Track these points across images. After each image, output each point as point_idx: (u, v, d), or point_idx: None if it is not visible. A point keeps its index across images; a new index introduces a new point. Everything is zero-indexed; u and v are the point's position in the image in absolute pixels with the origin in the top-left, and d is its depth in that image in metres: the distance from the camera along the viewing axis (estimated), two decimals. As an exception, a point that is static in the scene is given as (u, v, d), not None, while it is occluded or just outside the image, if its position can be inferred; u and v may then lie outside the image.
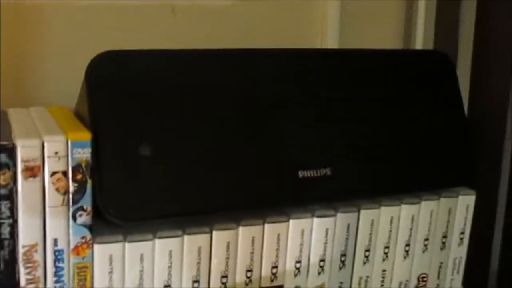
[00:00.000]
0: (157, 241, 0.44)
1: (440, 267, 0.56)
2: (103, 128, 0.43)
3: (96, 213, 0.43)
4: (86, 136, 0.42)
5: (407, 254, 0.54)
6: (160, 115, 0.45)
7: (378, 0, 0.80)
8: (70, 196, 0.41)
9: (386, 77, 0.54)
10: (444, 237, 0.56)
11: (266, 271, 0.49)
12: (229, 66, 0.48)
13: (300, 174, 0.48)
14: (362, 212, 0.51)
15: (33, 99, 0.61)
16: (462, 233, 0.56)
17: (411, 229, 0.54)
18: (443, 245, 0.56)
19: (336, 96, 0.51)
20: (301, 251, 0.50)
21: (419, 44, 0.80)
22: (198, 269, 0.46)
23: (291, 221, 0.49)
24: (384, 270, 0.54)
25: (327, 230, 0.50)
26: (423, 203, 0.54)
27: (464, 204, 0.56)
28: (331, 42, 0.78)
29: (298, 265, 0.50)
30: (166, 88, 0.45)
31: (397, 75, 0.54)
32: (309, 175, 0.48)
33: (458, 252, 0.57)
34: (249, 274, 0.48)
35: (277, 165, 0.47)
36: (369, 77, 0.53)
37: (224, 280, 0.47)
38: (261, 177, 0.47)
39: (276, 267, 0.49)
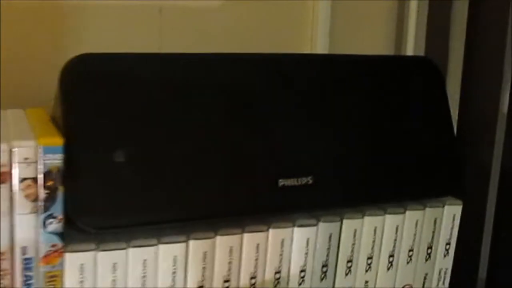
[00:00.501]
0: (131, 250, 0.43)
1: (425, 278, 0.55)
2: (76, 133, 0.42)
3: (69, 220, 0.41)
4: (57, 141, 0.40)
5: (391, 265, 0.53)
6: (136, 120, 0.43)
7: (369, 0, 0.79)
8: (41, 203, 0.40)
9: (372, 83, 0.52)
10: (430, 248, 0.55)
11: (244, 281, 0.47)
12: (209, 70, 0.46)
13: (280, 183, 0.46)
14: (345, 221, 0.50)
15: (14, 100, 0.60)
16: (448, 244, 0.55)
17: (395, 240, 0.53)
18: (429, 256, 0.55)
19: (319, 103, 0.49)
20: (281, 261, 0.48)
21: (410, 46, 0.79)
22: (173, 280, 0.45)
23: (270, 230, 0.47)
24: (367, 282, 0.52)
25: (308, 239, 0.49)
26: (408, 213, 0.53)
27: (450, 214, 0.55)
28: (321, 45, 0.77)
29: (277, 275, 0.48)
30: (143, 92, 0.44)
31: (383, 81, 0.53)
32: (289, 184, 0.47)
33: (444, 263, 0.56)
34: (226, 284, 0.47)
35: (256, 173, 0.46)
36: (354, 84, 0.52)
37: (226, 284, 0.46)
38: (239, 185, 0.45)
39: (255, 277, 0.48)
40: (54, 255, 0.41)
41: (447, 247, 0.55)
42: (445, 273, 0.56)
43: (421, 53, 0.76)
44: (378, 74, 0.53)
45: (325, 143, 0.49)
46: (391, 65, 0.54)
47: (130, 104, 0.44)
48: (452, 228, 0.55)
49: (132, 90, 0.44)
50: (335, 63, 0.51)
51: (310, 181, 0.47)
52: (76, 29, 0.62)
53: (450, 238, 0.55)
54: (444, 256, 0.55)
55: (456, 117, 0.73)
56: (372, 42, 0.81)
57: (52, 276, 0.42)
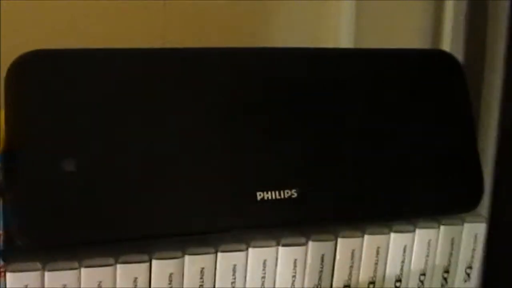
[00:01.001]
0: (83, 270, 0.38)
1: (440, 306, 0.48)
2: (19, 139, 0.37)
3: (11, 237, 0.37)
4: (-7, 148, 0.36)
5: (398, 291, 0.46)
6: (90, 125, 0.38)
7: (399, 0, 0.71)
8: (-24, 217, 0.36)
9: (375, 80, 0.45)
10: (446, 272, 0.47)
11: (219, 307, 0.41)
12: (177, 68, 0.41)
13: (259, 196, 0.40)
14: (340, 241, 0.43)
15: None
16: (470, 267, 0.47)
17: (402, 262, 0.45)
18: (445, 281, 0.47)
19: (308, 102, 0.43)
20: (263, 284, 0.42)
21: (446, 44, 0.71)
22: (135, 304, 0.40)
23: (250, 250, 0.41)
24: (369, 309, 0.45)
25: (295, 261, 0.42)
26: (419, 231, 0.45)
27: (471, 233, 0.47)
28: (345, 40, 0.71)
29: (260, 301, 0.42)
30: (100, 94, 0.39)
31: (388, 77, 0.46)
32: (269, 198, 0.40)
33: (464, 289, 0.48)
34: (198, 310, 0.41)
35: (231, 185, 0.40)
36: (355, 81, 0.45)
37: (166, 317, 0.40)
38: (211, 198, 0.40)
39: (232, 303, 0.42)
40: (-6, 275, 0.37)
41: (468, 271, 0.48)
42: (466, 300, 0.48)
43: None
44: (383, 69, 0.46)
45: (314, 150, 0.42)
46: (401, 59, 0.47)
47: (85, 107, 0.39)
48: (474, 250, 0.47)
49: (88, 90, 0.39)
50: (330, 58, 0.45)
51: (295, 195, 0.41)
52: (73, 22, 0.58)
53: (471, 261, 0.47)
54: (465, 281, 0.48)
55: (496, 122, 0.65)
56: (403, 41, 0.73)
57: (-7, 298, 0.37)
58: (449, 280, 0.47)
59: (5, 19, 0.55)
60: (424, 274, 0.46)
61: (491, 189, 0.63)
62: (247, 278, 0.42)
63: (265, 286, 0.42)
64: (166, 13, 0.64)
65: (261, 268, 0.42)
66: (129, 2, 0.62)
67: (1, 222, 0.36)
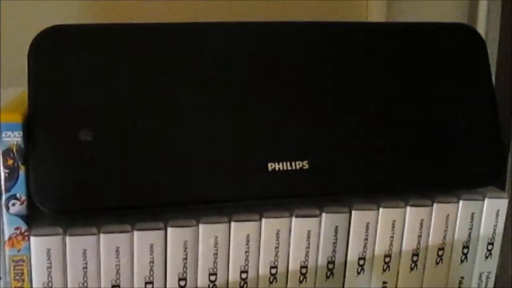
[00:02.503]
0: (102, 236, 0.40)
1: (460, 282, 0.47)
2: (40, 110, 0.39)
3: (34, 202, 0.39)
4: (16, 118, 0.38)
5: (416, 265, 0.46)
6: (108, 97, 0.40)
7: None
8: (1, 183, 0.38)
9: (396, 54, 0.45)
10: (466, 247, 0.46)
11: (234, 276, 0.43)
12: (190, 43, 0.42)
13: (270, 167, 0.41)
14: (355, 213, 0.44)
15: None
16: (491, 243, 0.47)
17: (419, 237, 0.45)
18: (465, 257, 0.47)
19: (322, 74, 0.43)
20: (276, 255, 0.43)
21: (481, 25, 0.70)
22: (151, 269, 0.41)
23: (263, 220, 0.42)
24: (385, 283, 0.46)
25: (309, 232, 0.43)
26: (436, 206, 0.45)
27: (493, 209, 0.46)
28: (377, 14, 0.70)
29: (273, 270, 0.43)
30: (118, 67, 0.41)
31: (406, 50, 0.45)
32: (280, 168, 0.41)
33: (486, 266, 0.47)
34: (213, 278, 0.42)
35: (243, 155, 0.41)
36: (374, 54, 0.45)
37: (182, 283, 0.42)
38: (223, 168, 0.41)
39: (246, 271, 0.43)
40: (18, 239, 0.39)
41: (490, 247, 0.47)
42: (488, 277, 0.48)
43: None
44: (403, 42, 0.45)
45: (327, 121, 0.43)
46: (417, 32, 0.46)
47: (104, 80, 0.40)
48: (495, 226, 0.47)
49: (107, 64, 0.41)
50: (348, 31, 0.45)
51: (306, 166, 0.41)
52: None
53: (493, 238, 0.47)
54: (486, 258, 0.47)
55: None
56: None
57: (18, 261, 0.40)
58: (469, 256, 0.47)
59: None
60: (442, 249, 0.46)
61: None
62: (261, 248, 0.43)
63: (279, 256, 0.43)
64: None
65: (275, 238, 0.43)
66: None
67: (25, 188, 0.39)
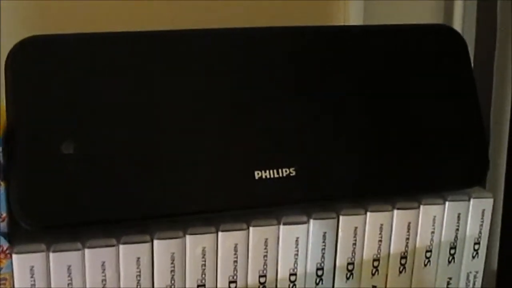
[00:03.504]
0: (87, 251, 0.39)
1: (448, 283, 0.47)
2: (19, 124, 0.38)
3: (15, 219, 0.38)
4: (-6, 133, 0.37)
5: (404, 268, 0.46)
6: (90, 108, 0.39)
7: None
8: (-19, 200, 0.37)
9: (377, 55, 0.45)
10: (453, 248, 0.47)
11: (222, 286, 0.42)
12: (175, 51, 0.41)
13: (257, 175, 0.41)
14: (343, 218, 0.43)
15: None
16: (477, 243, 0.47)
17: (407, 239, 0.45)
18: (452, 258, 0.47)
19: (309, 79, 0.43)
20: (265, 263, 0.43)
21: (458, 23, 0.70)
22: (138, 283, 0.40)
23: (251, 229, 0.42)
24: (374, 287, 0.45)
25: (297, 239, 0.43)
26: (423, 208, 0.45)
27: (478, 209, 0.46)
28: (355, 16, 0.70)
29: (262, 279, 0.43)
30: (98, 77, 0.40)
31: (389, 52, 0.45)
32: (267, 176, 0.41)
33: (473, 266, 0.47)
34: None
35: (229, 164, 0.41)
36: (357, 56, 0.45)
37: (169, 296, 0.41)
38: (209, 178, 0.40)
39: (234, 281, 0.42)
40: (0, 257, 0.38)
41: (476, 247, 0.47)
42: (475, 277, 0.48)
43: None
44: (385, 44, 0.45)
45: (313, 127, 0.42)
46: (401, 34, 0.46)
47: (85, 90, 0.39)
48: (481, 225, 0.47)
49: (87, 74, 0.40)
50: (331, 34, 0.44)
51: (293, 173, 0.41)
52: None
53: (479, 237, 0.47)
54: (473, 257, 0.47)
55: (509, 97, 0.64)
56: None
57: (1, 279, 0.38)
58: (456, 256, 0.47)
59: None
60: (430, 251, 0.46)
61: (506, 166, 0.62)
62: (249, 257, 0.42)
63: (267, 264, 0.42)
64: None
65: (263, 247, 0.42)
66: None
67: (5, 204, 0.37)
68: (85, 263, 0.39)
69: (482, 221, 0.47)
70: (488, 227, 0.47)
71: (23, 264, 0.38)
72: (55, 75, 0.39)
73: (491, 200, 0.47)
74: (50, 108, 0.39)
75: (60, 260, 0.39)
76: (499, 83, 0.65)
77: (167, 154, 0.40)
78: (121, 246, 0.40)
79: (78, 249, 0.39)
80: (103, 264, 0.40)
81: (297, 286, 0.43)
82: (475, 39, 0.68)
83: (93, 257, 0.39)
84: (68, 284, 0.39)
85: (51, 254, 0.39)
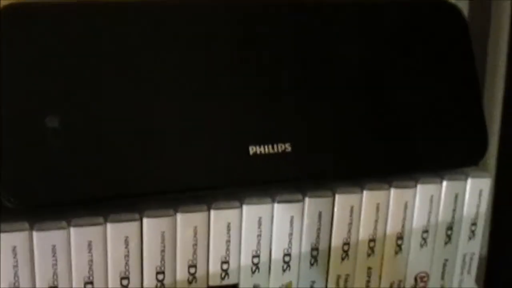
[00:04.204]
0: (72, 229, 0.37)
1: (444, 265, 0.46)
2: (3, 98, 0.36)
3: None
4: (-26, 104, 0.35)
5: (400, 249, 0.45)
6: (76, 81, 0.37)
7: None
8: (-41, 176, 0.35)
9: (376, 32, 0.44)
10: (450, 229, 0.45)
11: (214, 267, 0.40)
12: (164, 23, 0.39)
13: (251, 150, 0.39)
14: (338, 197, 0.42)
15: None
16: (474, 224, 0.46)
17: (404, 219, 0.44)
18: (449, 239, 0.46)
19: (304, 56, 0.41)
20: (259, 243, 0.41)
21: None
22: (127, 263, 0.39)
23: (244, 207, 0.40)
24: (370, 268, 0.44)
25: (292, 218, 0.41)
26: (420, 187, 0.44)
27: (475, 189, 0.45)
28: None
29: (256, 260, 0.41)
30: (86, 49, 0.38)
31: (386, 28, 0.44)
32: (262, 152, 0.39)
33: (469, 247, 0.46)
34: (192, 270, 0.40)
35: (222, 140, 0.39)
36: (353, 33, 0.43)
37: (160, 276, 0.39)
38: (202, 154, 0.38)
39: (227, 262, 0.41)
40: (-19, 236, 0.36)
41: (473, 228, 0.46)
42: (471, 258, 0.47)
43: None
44: (383, 20, 0.44)
45: (309, 103, 0.41)
46: (395, 9, 0.45)
47: (72, 61, 0.37)
48: (478, 206, 0.46)
49: (76, 44, 0.38)
50: (325, 10, 0.43)
51: (289, 149, 0.40)
52: None
53: (476, 218, 0.46)
54: (470, 239, 0.46)
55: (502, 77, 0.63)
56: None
57: (-19, 260, 0.36)
58: (453, 237, 0.46)
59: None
60: (427, 231, 0.45)
61: (498, 146, 0.61)
62: (242, 237, 0.41)
63: (261, 244, 0.41)
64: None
65: (256, 226, 0.41)
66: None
67: (-14, 181, 0.35)
68: (71, 242, 0.37)
69: (480, 202, 0.46)
70: (485, 208, 0.46)
71: (4, 244, 0.36)
72: (38, 45, 0.37)
73: (488, 180, 0.45)
74: (34, 82, 0.36)
75: (44, 240, 0.37)
76: (490, 84, 0.64)
77: (157, 129, 0.38)
78: (108, 225, 0.38)
79: (63, 228, 0.37)
80: (89, 244, 0.38)
81: (291, 267, 0.42)
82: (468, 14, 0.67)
83: (79, 236, 0.37)
84: (52, 265, 0.37)
85: (35, 233, 0.37)
